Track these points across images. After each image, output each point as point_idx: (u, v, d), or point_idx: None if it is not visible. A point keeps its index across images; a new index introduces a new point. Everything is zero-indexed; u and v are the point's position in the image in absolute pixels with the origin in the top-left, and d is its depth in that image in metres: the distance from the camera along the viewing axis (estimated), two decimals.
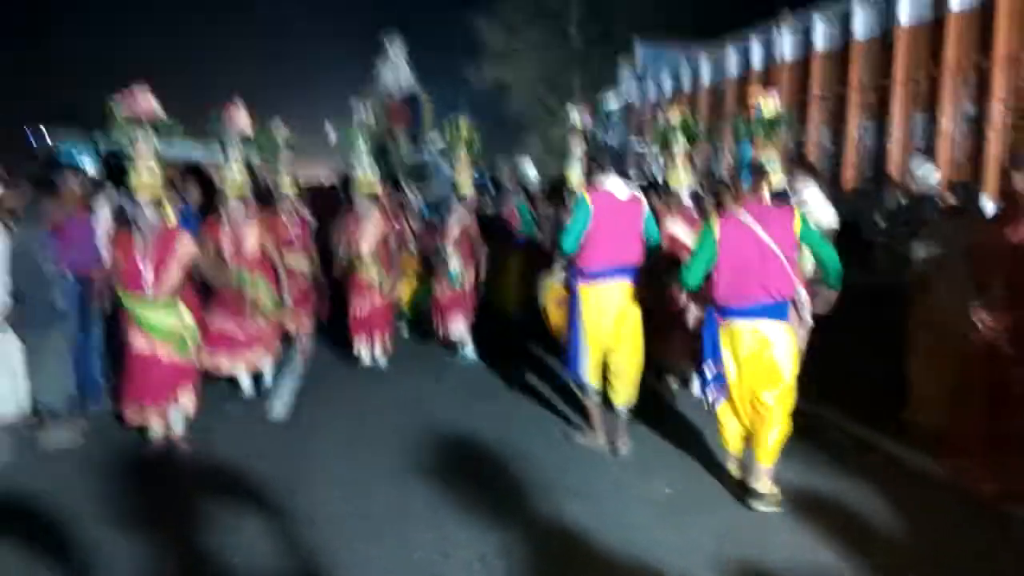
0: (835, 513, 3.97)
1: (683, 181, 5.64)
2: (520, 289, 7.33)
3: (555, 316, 5.55)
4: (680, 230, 5.47)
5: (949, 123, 6.15)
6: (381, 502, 4.06)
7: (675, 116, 5.72)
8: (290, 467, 4.51)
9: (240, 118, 5.68)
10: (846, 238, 6.02)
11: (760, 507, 4.00)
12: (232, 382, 5.85)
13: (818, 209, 5.86)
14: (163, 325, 4.60)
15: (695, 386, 4.43)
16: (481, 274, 7.13)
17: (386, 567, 3.45)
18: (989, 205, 5.41)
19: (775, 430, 4.03)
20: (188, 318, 4.71)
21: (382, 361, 6.84)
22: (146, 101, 4.52)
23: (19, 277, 4.66)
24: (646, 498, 4.17)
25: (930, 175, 5.70)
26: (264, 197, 7.38)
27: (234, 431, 5.15)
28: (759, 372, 3.99)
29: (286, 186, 7.05)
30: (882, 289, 5.72)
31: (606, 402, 4.93)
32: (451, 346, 7.20)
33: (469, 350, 7.15)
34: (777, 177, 4.17)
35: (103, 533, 3.69)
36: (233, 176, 5.65)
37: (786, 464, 4.54)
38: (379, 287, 6.71)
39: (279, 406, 5.70)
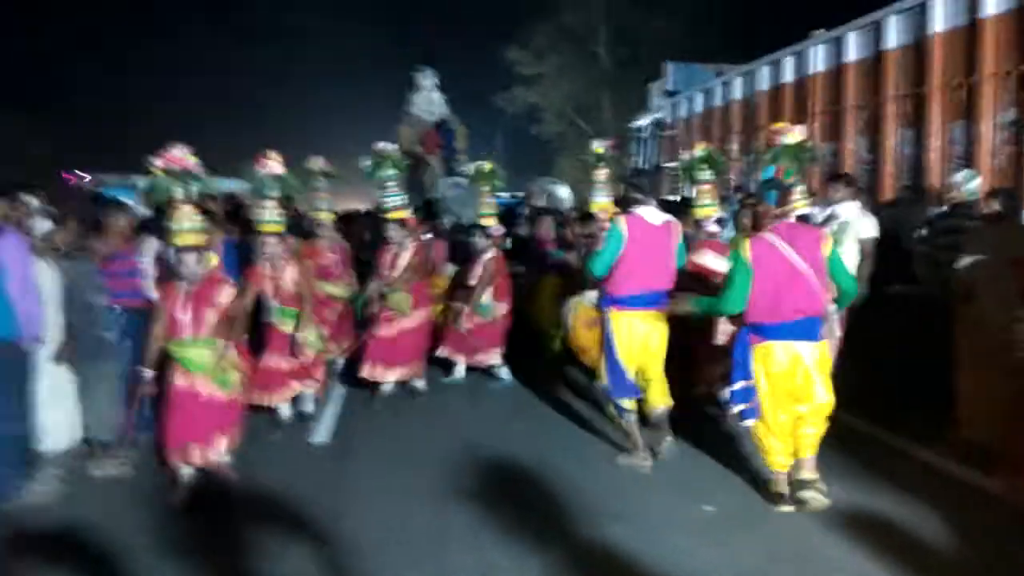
0: (881, 530, 3.89)
1: (709, 213, 5.74)
2: (555, 310, 7.34)
3: (583, 338, 5.54)
4: (708, 259, 5.48)
5: (988, 129, 6.05)
6: (422, 526, 4.06)
7: (700, 149, 5.83)
8: (333, 493, 4.54)
9: (274, 167, 5.72)
10: (886, 248, 5.94)
11: (807, 495, 4.09)
12: (272, 410, 5.91)
13: (857, 222, 5.81)
14: (202, 361, 4.57)
15: (729, 404, 4.41)
16: (513, 302, 7.16)
17: None
18: None
19: (810, 443, 4.19)
20: (231, 353, 4.67)
21: (419, 384, 6.80)
22: (184, 159, 4.62)
23: (69, 311, 4.78)
24: (689, 519, 4.12)
25: (970, 182, 5.61)
26: (303, 229, 7.52)
27: (277, 457, 5.20)
28: (793, 389, 4.09)
29: (324, 216, 7.18)
30: (925, 299, 5.62)
31: (643, 418, 4.95)
32: (485, 371, 7.21)
33: (505, 372, 7.17)
34: (803, 203, 4.25)
35: (152, 562, 3.74)
36: (269, 215, 5.68)
37: (831, 479, 4.47)
38: (404, 314, 6.58)
39: (321, 431, 5.76)
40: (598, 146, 6.31)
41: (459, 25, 38.18)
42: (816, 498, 4.11)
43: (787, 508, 4.15)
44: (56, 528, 4.15)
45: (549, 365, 7.30)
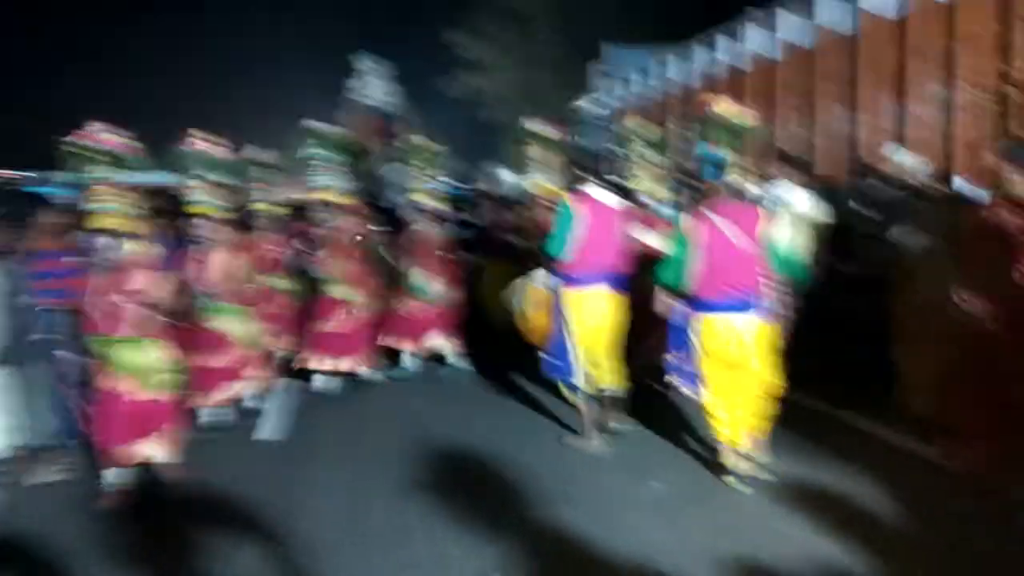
0: (830, 502, 3.99)
1: (642, 186, 5.81)
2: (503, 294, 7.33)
3: (535, 320, 5.48)
4: (644, 234, 5.48)
5: (917, 107, 6.20)
6: (378, 522, 4.02)
7: (632, 123, 5.92)
8: (284, 491, 4.46)
9: (201, 145, 5.50)
10: (827, 227, 6.07)
11: (750, 469, 4.23)
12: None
13: (803, 205, 5.91)
14: (133, 363, 4.36)
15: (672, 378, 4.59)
16: (461, 286, 7.09)
17: None
18: (961, 185, 5.46)
19: (753, 414, 4.26)
20: (164, 354, 4.49)
21: (365, 373, 6.70)
22: (107, 137, 4.35)
23: (2, 313, 4.61)
24: (640, 499, 4.17)
25: (907, 161, 5.74)
26: (244, 222, 7.32)
27: (225, 456, 5.08)
28: (731, 361, 4.20)
29: (263, 208, 6.98)
30: (867, 278, 5.75)
31: (594, 396, 5.00)
32: (437, 359, 7.16)
33: (455, 359, 7.11)
34: (739, 177, 4.30)
35: (96, 568, 3.65)
36: (199, 197, 5.46)
37: (779, 454, 4.57)
38: (351, 304, 6.55)
39: (270, 428, 5.65)
40: (528, 124, 6.32)
41: (401, 10, 37.67)
42: (760, 472, 4.25)
43: (733, 481, 4.25)
44: None
45: (502, 353, 7.28)
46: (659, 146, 6.06)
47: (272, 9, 41.24)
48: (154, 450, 4.45)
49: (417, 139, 7.29)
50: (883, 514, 3.84)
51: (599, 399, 5.06)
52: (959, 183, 5.43)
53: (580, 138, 17.32)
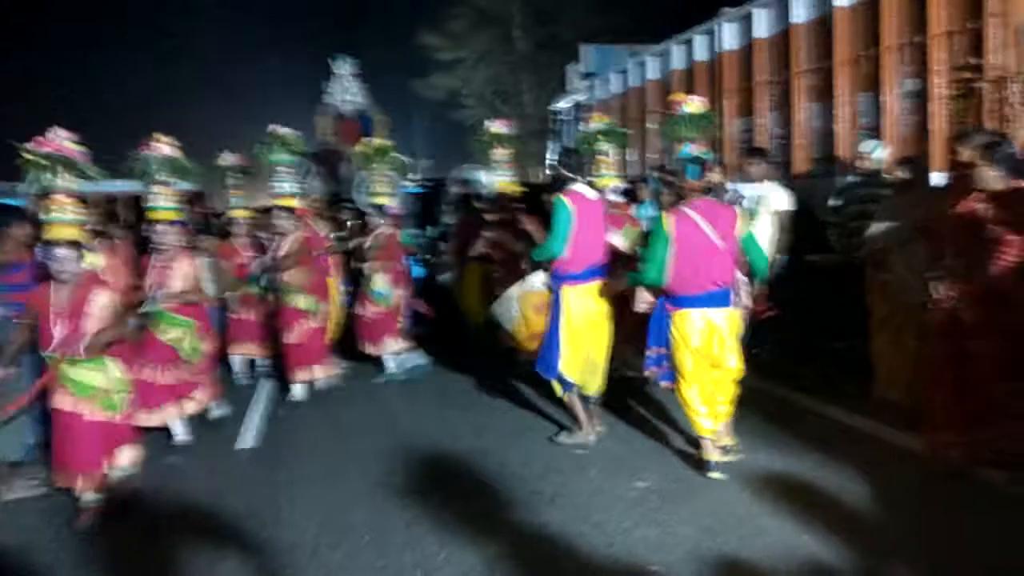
0: (813, 495, 4.00)
1: (608, 183, 5.97)
2: (484, 299, 7.28)
3: (535, 323, 5.23)
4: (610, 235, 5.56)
5: (892, 100, 6.24)
6: (360, 528, 3.97)
7: (597, 122, 6.07)
8: (264, 499, 4.40)
9: (163, 150, 5.36)
10: (801, 218, 6.10)
11: (729, 459, 4.40)
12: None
13: (772, 195, 5.97)
14: (87, 382, 4.17)
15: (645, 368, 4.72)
16: (411, 288, 7.09)
17: None
18: (937, 177, 5.50)
19: (726, 402, 4.45)
20: (118, 373, 4.29)
21: (322, 383, 6.59)
22: (63, 144, 4.16)
23: None
24: (624, 497, 4.16)
25: (878, 152, 5.79)
26: (215, 227, 7.26)
27: (202, 465, 5.03)
28: (709, 353, 4.33)
29: (238, 213, 6.94)
30: (839, 268, 5.79)
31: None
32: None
33: (393, 364, 6.97)
34: (716, 177, 4.61)
35: None
36: (161, 202, 5.34)
37: (760, 449, 4.61)
38: (310, 313, 6.40)
39: (247, 435, 5.59)
40: (493, 127, 6.40)
41: (375, 13, 37.47)
42: (738, 460, 4.42)
43: (717, 475, 4.29)
44: None
45: (480, 353, 7.27)
46: (619, 139, 6.31)
47: (247, 12, 40.89)
48: (111, 468, 4.28)
49: (377, 141, 7.25)
50: (864, 505, 3.86)
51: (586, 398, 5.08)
52: (935, 176, 5.47)
53: (558, 137, 17.34)
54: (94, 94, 36.33)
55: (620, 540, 3.66)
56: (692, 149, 4.50)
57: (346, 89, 17.68)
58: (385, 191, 7.18)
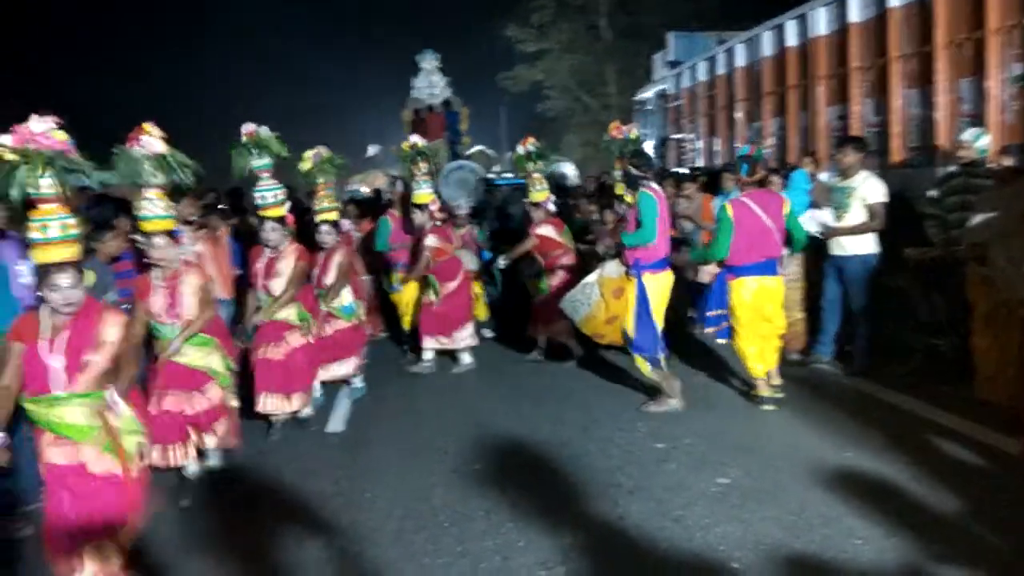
0: (903, 497, 3.87)
1: (543, 197, 6.98)
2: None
3: (614, 307, 5.73)
4: (549, 232, 6.93)
5: (996, 85, 5.93)
6: (441, 513, 4.07)
7: (527, 145, 7.00)
8: (348, 484, 4.55)
9: (152, 144, 4.18)
10: (897, 211, 5.87)
11: (778, 396, 5.40)
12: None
13: (865, 186, 5.76)
14: (82, 423, 3.24)
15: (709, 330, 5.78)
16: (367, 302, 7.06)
17: None
18: None
19: (774, 350, 5.53)
20: (123, 408, 3.34)
21: (307, 412, 5.71)
22: (47, 136, 3.18)
23: None
24: (706, 492, 4.11)
25: (980, 140, 5.51)
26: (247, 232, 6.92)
27: (287, 452, 5.19)
28: (762, 309, 5.40)
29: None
30: (937, 261, 5.55)
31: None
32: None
33: (359, 381, 6.42)
34: (762, 172, 5.63)
35: (168, 559, 3.77)
36: (154, 209, 4.31)
37: (848, 447, 4.48)
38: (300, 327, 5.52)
39: (336, 420, 5.78)
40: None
41: (458, 7, 37.76)
42: (779, 392, 5.44)
43: (769, 407, 5.32)
44: None
45: (556, 344, 7.27)
46: (548, 159, 7.33)
47: (333, 10, 41.80)
48: (116, 551, 3.28)
49: (323, 151, 6.31)
50: (959, 510, 3.70)
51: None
52: None
53: (642, 128, 17.15)
54: (184, 90, 37.65)
55: (700, 536, 3.63)
56: (749, 150, 5.57)
57: (432, 84, 17.96)
58: (331, 207, 6.38)
